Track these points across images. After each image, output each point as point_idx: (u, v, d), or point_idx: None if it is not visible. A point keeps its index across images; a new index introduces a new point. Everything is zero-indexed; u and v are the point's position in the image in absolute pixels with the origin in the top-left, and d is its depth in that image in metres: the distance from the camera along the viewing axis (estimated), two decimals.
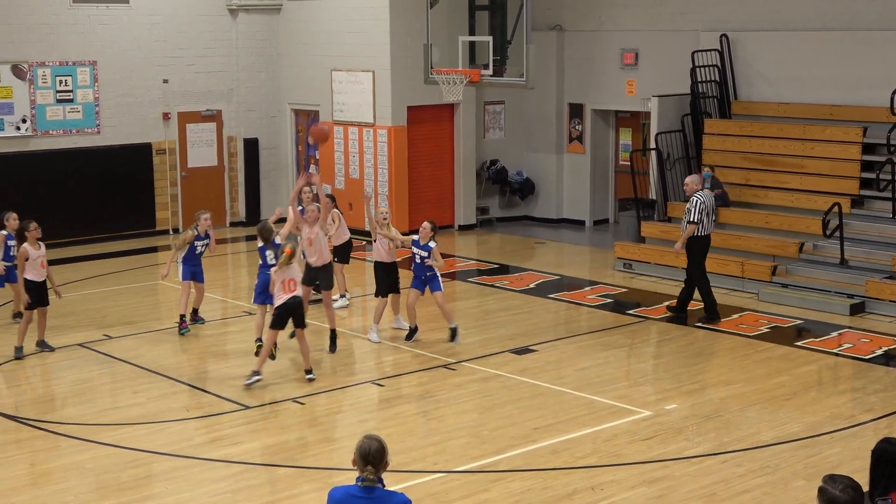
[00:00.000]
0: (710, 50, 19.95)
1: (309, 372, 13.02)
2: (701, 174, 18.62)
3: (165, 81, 22.46)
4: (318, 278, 14.35)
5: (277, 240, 13.78)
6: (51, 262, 14.75)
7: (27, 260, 14.06)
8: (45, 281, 14.27)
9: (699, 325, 15.52)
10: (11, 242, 15.14)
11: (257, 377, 12.87)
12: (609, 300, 16.98)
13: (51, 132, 21.22)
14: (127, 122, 22.10)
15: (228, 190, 23.66)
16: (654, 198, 19.92)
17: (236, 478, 10.39)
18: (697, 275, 15.72)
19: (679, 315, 15.84)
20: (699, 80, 19.87)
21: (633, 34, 21.75)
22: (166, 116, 22.57)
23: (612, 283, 18.00)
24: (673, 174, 19.88)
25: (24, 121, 20.86)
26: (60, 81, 21.24)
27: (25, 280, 14.13)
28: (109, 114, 21.87)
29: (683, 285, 15.99)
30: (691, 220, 15.51)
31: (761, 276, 17.14)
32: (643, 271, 18.51)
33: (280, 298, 12.73)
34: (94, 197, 21.58)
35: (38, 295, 14.18)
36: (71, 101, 21.42)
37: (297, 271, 12.89)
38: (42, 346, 14.42)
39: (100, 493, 10.08)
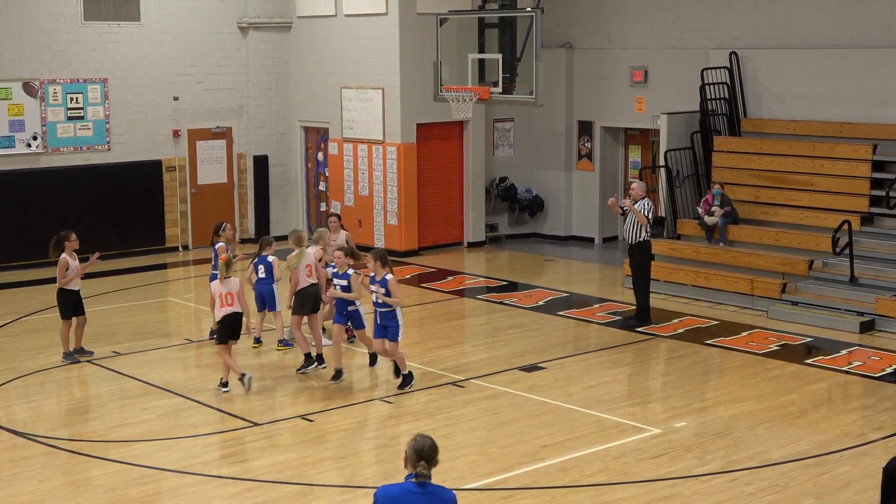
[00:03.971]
0: (719, 67, 19.97)
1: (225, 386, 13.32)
2: (710, 192, 18.70)
3: (176, 99, 22.53)
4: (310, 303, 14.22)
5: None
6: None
7: (67, 270, 14.30)
8: (79, 290, 14.60)
9: (627, 326, 16.19)
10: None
11: (226, 390, 13.26)
12: (618, 317, 16.94)
13: (61, 149, 21.30)
14: (137, 139, 22.17)
15: (238, 207, 23.70)
16: (664, 215, 19.91)
17: (244, 495, 10.39)
18: (645, 278, 16.47)
19: (644, 321, 16.34)
20: (709, 97, 19.88)
21: (642, 51, 21.78)
22: (176, 133, 22.64)
23: (622, 300, 17.97)
24: (682, 192, 19.88)
25: (34, 138, 20.94)
26: (71, 98, 21.33)
27: (64, 290, 14.39)
28: (120, 131, 21.94)
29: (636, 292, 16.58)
30: (649, 217, 16.10)
31: (771, 293, 17.11)
32: (652, 288, 18.45)
33: (219, 312, 13.10)
34: (105, 214, 21.63)
35: (75, 304, 14.50)
36: (82, 118, 21.50)
37: (235, 285, 13.07)
38: (80, 352, 14.70)
39: None
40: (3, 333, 16.36)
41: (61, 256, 14.36)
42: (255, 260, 15.00)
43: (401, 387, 13.34)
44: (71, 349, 14.69)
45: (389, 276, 12.98)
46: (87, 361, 14.67)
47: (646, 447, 11.44)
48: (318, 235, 15.12)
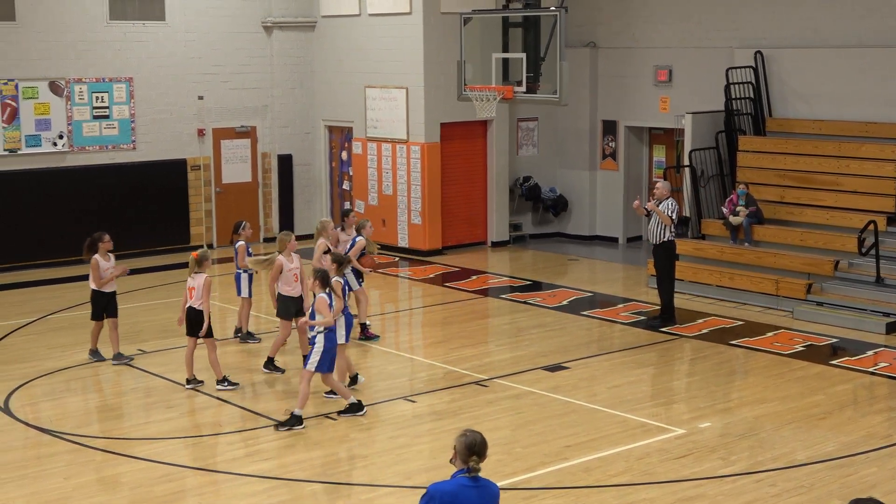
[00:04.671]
0: (744, 67, 19.89)
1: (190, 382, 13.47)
2: (735, 192, 18.62)
3: (200, 98, 22.61)
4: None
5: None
6: (85, 278, 14.84)
7: (99, 270, 14.40)
8: (114, 292, 14.64)
9: (651, 326, 16.16)
10: (251, 249, 15.62)
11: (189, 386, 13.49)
12: (642, 317, 16.89)
13: (87, 148, 21.41)
14: (162, 138, 22.27)
15: (262, 205, 23.77)
16: (688, 215, 19.84)
17: (268, 493, 10.41)
18: (669, 278, 16.43)
19: (669, 321, 16.31)
20: (733, 96, 19.80)
21: (666, 51, 21.72)
22: (201, 133, 22.72)
23: (646, 300, 17.92)
24: (707, 191, 19.81)
25: (60, 137, 21.06)
26: (97, 98, 21.43)
27: (98, 291, 14.48)
28: (145, 130, 22.04)
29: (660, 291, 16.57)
30: (673, 218, 16.12)
31: (796, 293, 17.03)
32: (676, 288, 18.38)
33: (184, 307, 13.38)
34: (130, 212, 21.71)
35: (106, 305, 14.54)
36: (107, 117, 21.61)
37: (199, 281, 13.17)
38: (118, 357, 14.65)
39: None
40: (28, 331, 16.46)
41: (94, 257, 14.42)
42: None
43: (343, 412, 12.39)
44: (96, 347, 14.76)
45: (321, 295, 12.03)
46: (112, 360, 14.72)
47: (670, 447, 11.40)
48: (322, 226, 15.05)
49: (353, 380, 13.43)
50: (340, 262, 13.01)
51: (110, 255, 14.62)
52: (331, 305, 11.96)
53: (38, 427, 12.23)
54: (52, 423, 12.32)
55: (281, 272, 13.92)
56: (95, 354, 14.71)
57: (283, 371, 14.08)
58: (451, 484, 6.60)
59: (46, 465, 11.15)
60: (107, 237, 14.59)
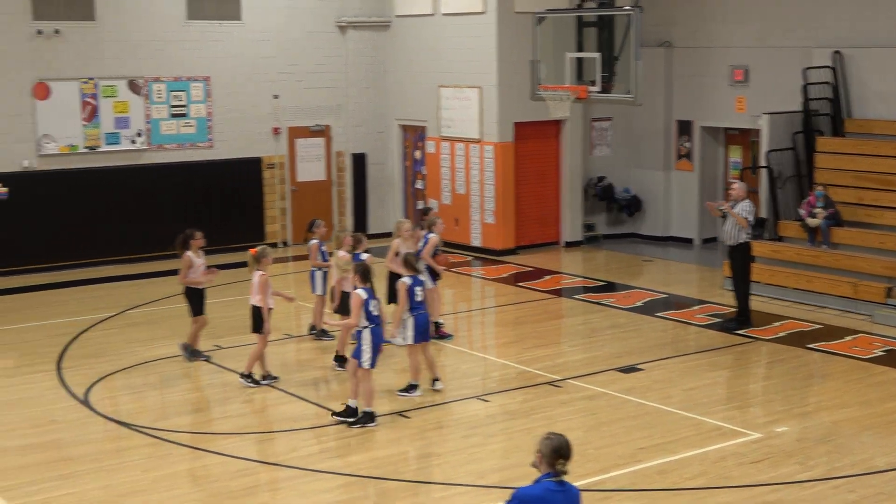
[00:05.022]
0: (822, 67, 19.60)
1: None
2: (812, 193, 18.37)
3: (276, 97, 22.81)
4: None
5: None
6: (162, 274, 15.17)
7: (191, 268, 14.45)
8: (204, 289, 14.69)
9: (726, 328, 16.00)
10: (324, 248, 15.62)
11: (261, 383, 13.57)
12: (717, 319, 16.72)
13: (165, 146, 21.70)
14: (238, 136, 22.50)
15: (336, 204, 23.91)
16: (765, 217, 19.60)
17: (341, 490, 10.48)
18: (746, 281, 16.26)
19: (744, 323, 16.15)
20: (811, 97, 19.53)
21: (743, 51, 21.48)
22: (276, 131, 22.91)
23: (721, 302, 17.74)
24: (784, 193, 19.55)
25: (139, 134, 21.37)
26: (174, 96, 21.72)
27: (191, 288, 14.58)
28: (221, 128, 22.28)
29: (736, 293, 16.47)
30: (751, 221, 16.02)
31: (875, 297, 16.74)
32: (753, 291, 18.16)
33: None
34: (205, 210, 21.97)
35: (199, 302, 14.62)
36: (184, 115, 21.88)
37: (255, 279, 13.34)
38: (187, 350, 14.77)
39: (209, 500, 10.24)
40: (107, 326, 16.72)
41: (186, 254, 14.54)
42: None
43: (339, 415, 12.24)
44: (188, 343, 14.81)
45: (357, 291, 11.96)
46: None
47: (746, 451, 11.27)
48: (397, 227, 15.23)
49: (433, 382, 13.41)
50: (411, 264, 13.02)
51: (201, 252, 14.72)
52: (368, 301, 11.91)
53: (117, 420, 12.42)
54: (130, 417, 12.51)
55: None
56: (190, 352, 14.74)
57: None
58: (538, 488, 6.58)
59: (125, 458, 11.32)
60: (199, 234, 14.64)
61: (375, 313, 11.95)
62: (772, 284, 18.00)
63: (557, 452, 6.57)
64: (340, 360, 14.18)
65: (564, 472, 6.57)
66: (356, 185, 23.84)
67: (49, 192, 20.52)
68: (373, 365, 12.03)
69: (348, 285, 13.41)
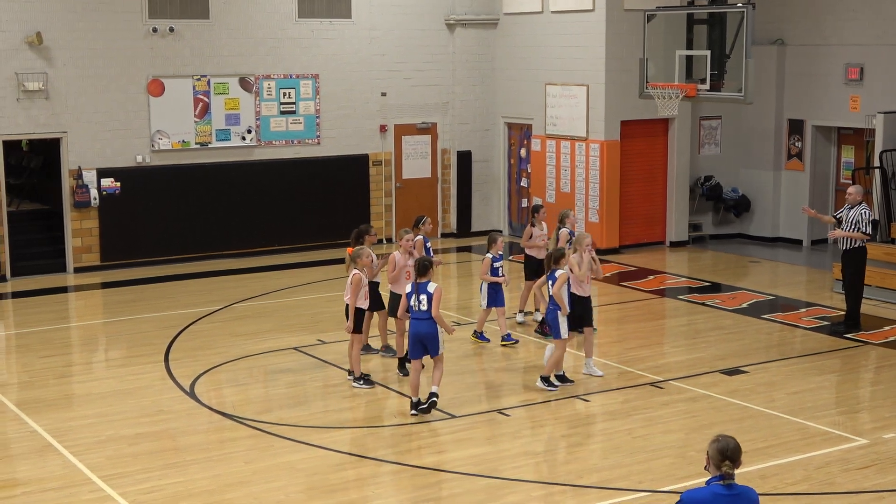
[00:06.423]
0: None
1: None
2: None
3: (383, 94, 22.99)
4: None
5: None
6: (269, 269, 15.34)
7: (388, 266, 14.27)
8: (378, 283, 14.51)
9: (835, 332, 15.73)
10: (429, 244, 15.55)
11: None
12: (825, 322, 16.38)
13: (274, 143, 22.03)
14: (346, 133, 22.74)
15: (441, 201, 24.01)
16: (877, 218, 19.15)
17: (439, 486, 10.53)
18: (859, 285, 15.93)
19: (853, 327, 15.86)
20: None
21: (858, 48, 21.00)
22: (383, 128, 23.10)
23: (830, 305, 17.38)
24: None
25: (249, 131, 21.73)
26: (284, 94, 22.03)
27: (369, 282, 14.39)
28: (329, 125, 22.54)
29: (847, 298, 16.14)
30: (868, 232, 15.64)
31: None
32: (864, 294, 17.77)
33: None
34: (313, 205, 22.26)
35: (375, 297, 14.34)
36: (293, 112, 22.19)
37: (350, 278, 13.34)
38: (366, 349, 14.62)
39: (309, 493, 10.38)
40: (214, 319, 17.04)
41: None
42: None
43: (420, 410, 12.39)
44: (388, 343, 14.76)
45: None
46: (294, 349, 15.13)
47: (852, 458, 11.04)
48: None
49: (562, 378, 13.46)
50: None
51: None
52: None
53: (222, 412, 12.66)
54: (235, 409, 12.74)
55: (394, 268, 14.05)
56: (387, 350, 14.72)
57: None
58: (705, 492, 6.54)
59: (229, 449, 11.53)
60: (373, 230, 14.71)
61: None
62: (883, 287, 17.58)
63: (723, 454, 6.49)
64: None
65: (731, 475, 6.48)
66: (461, 182, 23.91)
67: (161, 187, 20.99)
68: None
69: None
